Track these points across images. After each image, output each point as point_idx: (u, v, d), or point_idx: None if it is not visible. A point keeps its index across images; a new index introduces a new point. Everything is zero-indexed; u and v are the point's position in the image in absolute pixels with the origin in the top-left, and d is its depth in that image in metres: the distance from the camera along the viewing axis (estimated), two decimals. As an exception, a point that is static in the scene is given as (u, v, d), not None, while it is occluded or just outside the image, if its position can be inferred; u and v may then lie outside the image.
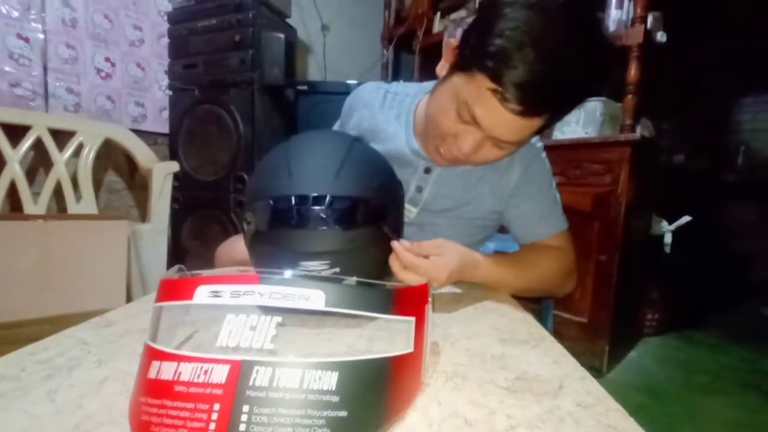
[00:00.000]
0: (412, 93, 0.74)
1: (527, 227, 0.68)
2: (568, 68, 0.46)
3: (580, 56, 0.46)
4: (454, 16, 1.97)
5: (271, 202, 0.44)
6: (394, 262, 0.49)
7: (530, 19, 0.45)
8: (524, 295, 0.63)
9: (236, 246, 0.73)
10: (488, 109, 0.49)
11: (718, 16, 2.36)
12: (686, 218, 1.60)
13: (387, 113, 0.74)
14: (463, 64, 0.52)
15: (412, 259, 0.48)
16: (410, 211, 0.70)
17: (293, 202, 0.42)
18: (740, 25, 2.39)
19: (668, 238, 1.62)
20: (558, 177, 1.49)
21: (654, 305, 1.80)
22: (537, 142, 0.70)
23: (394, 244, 0.49)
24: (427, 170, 0.70)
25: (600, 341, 1.41)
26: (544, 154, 0.70)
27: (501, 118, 0.49)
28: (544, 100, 0.48)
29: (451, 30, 1.90)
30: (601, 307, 1.40)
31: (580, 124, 1.49)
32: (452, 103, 0.53)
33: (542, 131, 0.56)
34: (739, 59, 2.54)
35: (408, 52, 2.30)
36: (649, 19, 1.38)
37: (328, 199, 0.42)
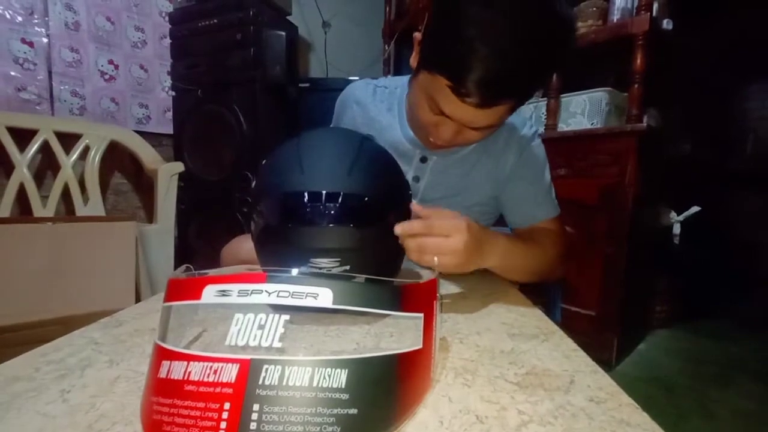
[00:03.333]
0: (401, 84, 0.74)
1: (523, 210, 0.69)
2: (524, 59, 0.46)
3: (535, 44, 0.46)
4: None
5: (283, 197, 0.43)
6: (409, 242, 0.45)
7: (481, 17, 0.45)
8: (524, 280, 0.62)
9: (242, 246, 0.73)
10: (452, 105, 0.50)
11: (725, 2, 2.31)
12: (695, 208, 1.58)
13: (379, 106, 0.75)
14: (424, 63, 0.53)
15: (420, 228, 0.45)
16: None
17: (306, 198, 0.42)
18: (748, 10, 2.34)
19: (677, 229, 1.60)
20: (564, 169, 1.49)
21: (663, 297, 1.78)
22: (532, 128, 0.70)
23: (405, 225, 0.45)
24: (423, 159, 0.70)
25: (609, 334, 1.40)
26: (539, 140, 0.70)
27: (465, 111, 0.50)
28: (503, 93, 0.49)
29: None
30: (610, 299, 1.39)
31: (585, 115, 1.48)
32: (423, 98, 0.55)
33: (515, 110, 0.56)
34: (747, 46, 2.49)
35: (410, 47, 2.28)
36: (655, 6, 1.35)
37: (341, 196, 0.42)
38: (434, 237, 0.45)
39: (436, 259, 0.44)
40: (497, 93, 0.48)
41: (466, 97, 0.48)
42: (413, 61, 0.59)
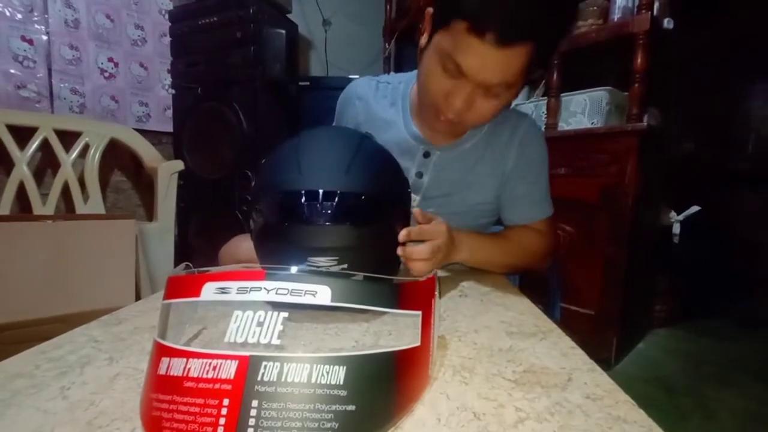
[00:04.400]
0: (405, 80, 0.75)
1: (519, 210, 0.70)
2: None
3: None
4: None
5: (281, 196, 0.43)
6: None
7: None
8: (498, 272, 0.66)
9: (240, 245, 0.73)
10: (470, 51, 0.50)
11: (726, 1, 2.30)
12: (695, 208, 1.58)
13: (381, 102, 0.75)
14: (440, 21, 0.53)
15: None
16: (413, 200, 0.70)
17: (303, 197, 0.42)
18: (749, 10, 2.33)
19: (677, 229, 1.60)
20: (564, 168, 1.49)
21: (663, 296, 1.78)
22: (535, 125, 0.72)
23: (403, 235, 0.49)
24: (426, 154, 0.70)
25: (608, 333, 1.40)
26: (541, 135, 0.72)
27: (483, 56, 0.49)
28: (522, 27, 0.48)
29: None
30: (610, 298, 1.39)
31: (585, 114, 1.47)
32: (437, 62, 0.54)
33: (531, 75, 0.55)
34: (748, 45, 2.48)
35: (410, 46, 2.28)
36: (656, 5, 1.35)
37: (338, 195, 0.42)
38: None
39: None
40: (516, 26, 0.47)
41: (486, 31, 0.47)
42: (423, 41, 0.59)
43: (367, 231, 0.44)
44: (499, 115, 0.63)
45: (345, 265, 0.43)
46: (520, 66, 0.51)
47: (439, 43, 0.53)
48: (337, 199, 0.42)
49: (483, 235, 0.64)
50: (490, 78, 0.52)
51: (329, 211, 0.41)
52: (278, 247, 0.45)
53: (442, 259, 0.53)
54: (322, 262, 0.42)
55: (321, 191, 0.42)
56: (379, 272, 0.36)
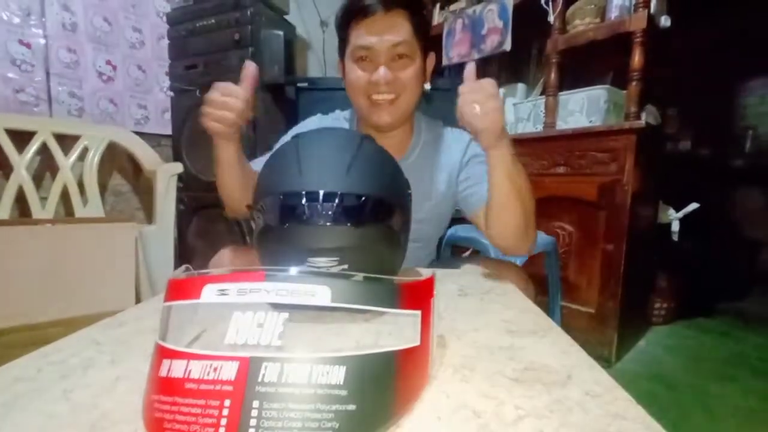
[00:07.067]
0: (344, 111, 0.86)
1: (480, 193, 0.69)
2: None
3: None
4: (453, 7, 1.94)
5: (282, 198, 0.44)
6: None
7: None
8: (509, 211, 0.62)
9: (223, 261, 0.71)
10: (367, 29, 0.66)
11: (723, -2, 2.31)
12: (694, 205, 1.58)
13: (325, 122, 0.84)
14: (342, 39, 0.71)
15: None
16: None
17: (304, 198, 0.42)
18: (746, 7, 2.34)
19: (676, 226, 1.61)
20: (563, 167, 1.49)
21: (662, 294, 1.79)
22: (461, 130, 0.77)
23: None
24: None
25: (608, 331, 1.41)
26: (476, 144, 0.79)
27: (376, 24, 0.66)
28: (385, 1, 0.65)
29: (451, 21, 1.88)
30: (609, 297, 1.40)
31: (584, 112, 1.48)
32: (354, 61, 0.69)
33: (422, 31, 0.70)
34: (745, 42, 2.49)
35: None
36: (653, 3, 1.35)
37: (339, 195, 0.42)
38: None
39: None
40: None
41: (369, 10, 0.65)
42: (340, 65, 0.75)
43: (369, 231, 0.44)
44: (432, 128, 0.80)
45: (345, 266, 0.43)
46: (408, 27, 0.67)
47: (349, 50, 0.69)
48: (338, 200, 0.42)
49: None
50: (391, 38, 0.66)
51: (330, 212, 0.42)
52: (279, 248, 0.45)
53: (498, 114, 0.54)
54: (323, 262, 0.42)
55: (322, 192, 0.42)
56: (379, 272, 0.36)
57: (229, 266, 0.67)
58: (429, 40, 0.73)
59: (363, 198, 0.43)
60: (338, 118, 0.85)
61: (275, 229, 0.44)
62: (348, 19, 0.67)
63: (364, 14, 0.65)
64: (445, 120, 0.85)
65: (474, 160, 0.75)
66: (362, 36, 0.66)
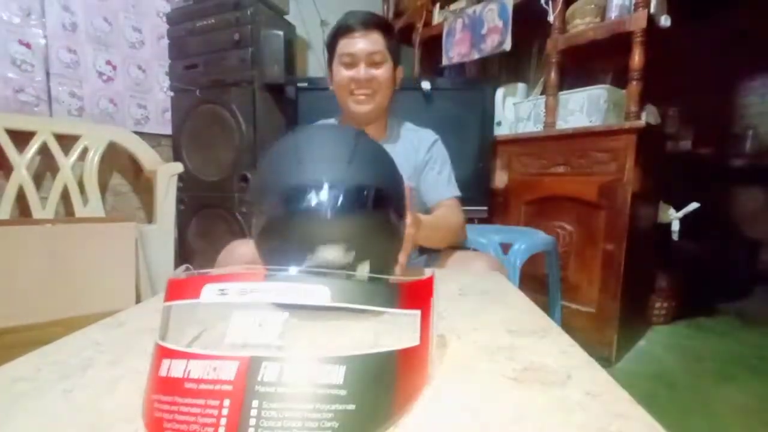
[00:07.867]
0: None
1: (437, 190, 0.92)
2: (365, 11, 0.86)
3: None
4: (453, 6, 1.93)
5: (288, 190, 0.44)
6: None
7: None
8: (441, 246, 0.86)
9: (235, 252, 0.79)
10: (351, 43, 0.84)
11: (723, -2, 2.30)
12: (694, 205, 1.58)
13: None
14: (331, 51, 0.89)
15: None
16: None
17: (310, 188, 0.42)
18: (746, 6, 2.33)
19: (676, 226, 1.60)
20: (563, 167, 1.49)
21: (663, 293, 1.79)
22: (434, 135, 0.96)
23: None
24: None
25: (608, 331, 1.40)
26: (438, 139, 0.97)
27: (357, 40, 0.84)
28: (369, 21, 0.84)
29: (451, 21, 1.88)
30: (609, 296, 1.40)
31: (584, 112, 1.48)
32: (341, 66, 0.86)
33: (393, 48, 0.88)
34: (745, 41, 2.49)
35: (408, 46, 2.28)
36: (652, 3, 1.35)
37: (344, 185, 0.43)
38: None
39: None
40: (366, 22, 0.83)
41: (353, 29, 0.83)
42: (328, 72, 0.93)
43: (373, 220, 0.45)
44: (402, 127, 0.97)
45: (353, 253, 0.43)
46: (382, 42, 0.85)
47: (336, 58, 0.87)
48: (344, 189, 0.42)
49: (431, 216, 0.82)
50: (368, 48, 0.84)
51: (337, 202, 0.42)
52: (285, 243, 0.45)
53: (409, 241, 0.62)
54: (332, 252, 0.42)
55: (327, 182, 0.42)
56: (380, 262, 0.36)
57: (238, 259, 0.76)
58: (398, 56, 0.92)
59: (368, 188, 0.44)
60: (326, 123, 0.96)
61: (281, 223, 0.44)
62: (337, 35, 0.86)
63: (349, 31, 0.84)
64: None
65: (431, 162, 0.92)
66: (347, 45, 0.84)
